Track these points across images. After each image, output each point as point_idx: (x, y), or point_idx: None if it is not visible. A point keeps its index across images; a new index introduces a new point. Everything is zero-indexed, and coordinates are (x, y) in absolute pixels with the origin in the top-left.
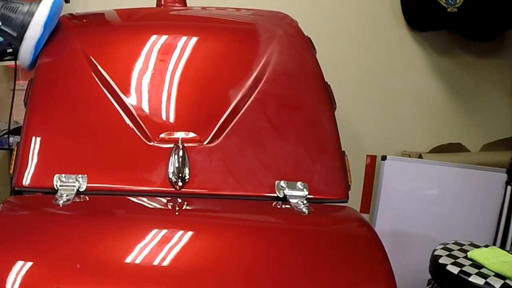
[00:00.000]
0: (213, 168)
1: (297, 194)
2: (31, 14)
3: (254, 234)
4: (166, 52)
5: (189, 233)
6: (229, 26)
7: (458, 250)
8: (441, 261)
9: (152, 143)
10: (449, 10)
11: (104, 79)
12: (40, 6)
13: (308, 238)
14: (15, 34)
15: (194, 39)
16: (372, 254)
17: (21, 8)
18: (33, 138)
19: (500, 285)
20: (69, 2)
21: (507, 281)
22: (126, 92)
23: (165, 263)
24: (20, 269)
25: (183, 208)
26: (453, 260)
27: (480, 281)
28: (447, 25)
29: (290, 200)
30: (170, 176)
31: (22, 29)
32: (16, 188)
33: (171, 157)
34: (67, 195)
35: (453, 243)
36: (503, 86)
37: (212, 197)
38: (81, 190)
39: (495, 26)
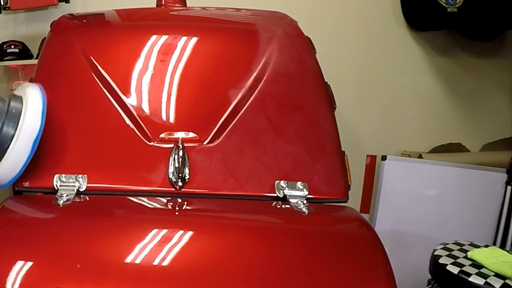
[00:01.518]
0: (213, 168)
1: (297, 194)
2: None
3: (254, 234)
4: (166, 52)
5: (189, 233)
6: (229, 27)
7: (458, 250)
8: (441, 261)
9: (152, 143)
10: (449, 10)
11: (104, 79)
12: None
13: (308, 238)
14: None
15: (194, 40)
16: (372, 254)
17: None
18: None
19: (500, 285)
20: (69, 2)
21: (507, 281)
22: (126, 92)
23: (165, 263)
24: (20, 269)
25: (183, 208)
26: (453, 260)
27: (480, 281)
28: (447, 25)
29: (290, 200)
30: (170, 176)
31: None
32: (16, 188)
33: (171, 157)
34: (67, 195)
35: (453, 243)
36: (503, 86)
37: (212, 197)
38: (81, 190)
39: (495, 26)
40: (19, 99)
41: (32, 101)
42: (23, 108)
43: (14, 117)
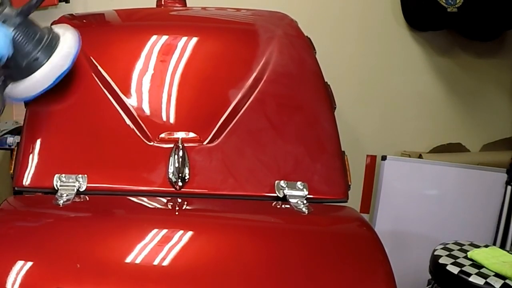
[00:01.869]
0: (213, 168)
1: (297, 194)
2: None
3: (254, 234)
4: (166, 52)
5: (189, 233)
6: (229, 27)
7: (458, 250)
8: (441, 261)
9: (152, 143)
10: (449, 10)
11: (104, 80)
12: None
13: (308, 238)
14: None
15: (194, 40)
16: (372, 254)
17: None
18: (33, 138)
19: (500, 285)
20: (69, 2)
21: (507, 281)
22: (126, 92)
23: (165, 263)
24: (20, 269)
25: (183, 208)
26: (453, 260)
27: (480, 281)
28: (447, 25)
29: (290, 200)
30: (170, 176)
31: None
32: (16, 188)
33: (171, 157)
34: (67, 195)
35: (453, 243)
36: (503, 86)
37: (212, 197)
38: (81, 190)
39: (495, 26)
40: (57, 36)
41: (69, 41)
42: (61, 44)
43: (50, 47)
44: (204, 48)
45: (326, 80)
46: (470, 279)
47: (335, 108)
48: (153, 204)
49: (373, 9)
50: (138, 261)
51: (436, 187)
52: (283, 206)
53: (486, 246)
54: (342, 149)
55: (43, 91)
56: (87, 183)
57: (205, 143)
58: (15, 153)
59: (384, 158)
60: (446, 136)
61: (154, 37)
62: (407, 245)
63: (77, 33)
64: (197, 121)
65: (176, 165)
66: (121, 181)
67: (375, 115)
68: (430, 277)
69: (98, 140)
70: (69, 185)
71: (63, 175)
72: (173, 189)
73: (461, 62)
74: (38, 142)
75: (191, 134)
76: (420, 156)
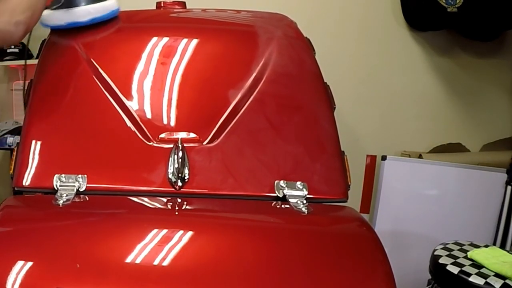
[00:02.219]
0: (212, 168)
1: (296, 194)
2: None
3: (254, 234)
4: (166, 53)
5: (189, 233)
6: (229, 28)
7: (458, 250)
8: (441, 261)
9: (151, 144)
10: (449, 10)
11: (104, 81)
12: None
13: (307, 238)
14: None
15: (194, 41)
16: (372, 254)
17: None
18: (33, 138)
19: (500, 285)
20: None
21: (507, 281)
22: (126, 93)
23: (165, 263)
24: (20, 269)
25: (183, 208)
26: (453, 260)
27: (480, 281)
28: (447, 25)
29: (290, 200)
30: (170, 176)
31: None
32: (16, 188)
33: (170, 157)
34: (67, 195)
35: (453, 243)
36: (503, 86)
37: (211, 197)
38: (81, 190)
39: (495, 26)
40: None
41: (108, 6)
42: (101, 4)
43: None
44: (204, 49)
45: (326, 80)
46: (470, 279)
47: (334, 108)
48: (153, 204)
49: (373, 9)
50: (138, 261)
51: (436, 187)
52: (282, 206)
53: (486, 246)
54: (342, 149)
55: (60, 27)
56: (87, 183)
57: (204, 143)
58: (15, 153)
59: (384, 158)
60: (446, 136)
61: (154, 39)
62: (407, 245)
63: (118, 9)
64: (197, 122)
65: (176, 165)
66: (121, 181)
67: (375, 115)
68: (430, 277)
69: (98, 140)
70: (69, 185)
71: (63, 175)
72: (173, 189)
73: (461, 62)
74: (38, 142)
75: (191, 134)
76: (420, 156)
